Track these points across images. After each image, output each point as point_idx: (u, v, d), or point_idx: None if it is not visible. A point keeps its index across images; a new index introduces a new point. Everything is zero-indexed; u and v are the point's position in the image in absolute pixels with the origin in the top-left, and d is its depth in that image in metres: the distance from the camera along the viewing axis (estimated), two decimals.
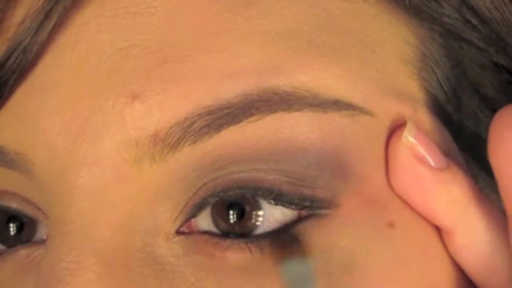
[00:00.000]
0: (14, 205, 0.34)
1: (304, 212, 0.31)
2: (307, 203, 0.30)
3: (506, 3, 0.35)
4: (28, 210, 0.34)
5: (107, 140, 0.30)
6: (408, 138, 0.31)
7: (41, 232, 0.34)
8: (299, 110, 0.30)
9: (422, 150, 0.31)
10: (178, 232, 0.31)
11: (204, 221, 0.31)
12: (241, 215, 0.31)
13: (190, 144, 0.30)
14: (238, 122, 0.30)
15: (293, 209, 0.31)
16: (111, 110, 0.30)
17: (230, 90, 0.30)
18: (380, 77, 0.32)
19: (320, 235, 0.31)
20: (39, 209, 0.33)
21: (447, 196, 0.31)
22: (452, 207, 0.31)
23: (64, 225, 0.30)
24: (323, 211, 0.31)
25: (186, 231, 0.31)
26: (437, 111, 0.34)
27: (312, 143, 0.31)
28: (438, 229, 0.32)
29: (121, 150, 0.30)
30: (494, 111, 0.34)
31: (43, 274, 0.30)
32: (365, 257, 0.31)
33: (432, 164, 0.31)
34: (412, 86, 0.33)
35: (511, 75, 0.36)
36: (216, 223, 0.31)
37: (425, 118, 0.33)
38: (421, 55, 0.33)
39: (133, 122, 0.30)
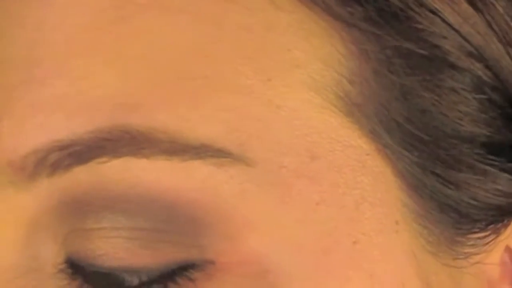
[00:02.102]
0: None
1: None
2: (168, 271, 0.28)
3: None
4: None
5: None
6: None
7: None
8: (149, 156, 0.27)
9: None
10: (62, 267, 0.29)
11: None
12: None
13: (47, 176, 0.28)
14: (87, 161, 0.28)
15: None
16: None
17: (82, 125, 0.28)
18: (273, 113, 0.28)
19: None
20: None
21: None
22: None
23: None
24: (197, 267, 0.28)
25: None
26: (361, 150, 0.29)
27: (166, 192, 0.28)
28: None
29: None
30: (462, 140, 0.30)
31: None
32: None
33: None
34: (327, 119, 0.28)
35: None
36: None
37: (331, 160, 0.28)
38: (350, 79, 0.28)
39: None
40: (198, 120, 0.27)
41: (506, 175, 0.30)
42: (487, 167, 0.30)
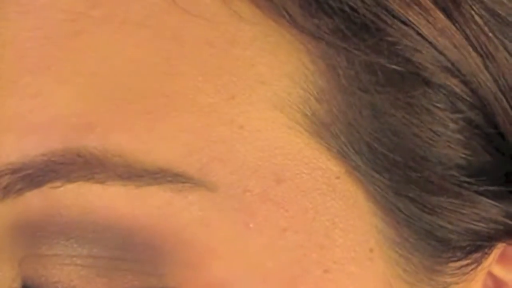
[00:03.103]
0: None
1: None
2: None
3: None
4: None
5: None
6: None
7: None
8: (104, 181, 0.26)
9: None
10: None
11: None
12: None
13: (0, 200, 0.27)
14: (40, 185, 0.27)
15: None
16: None
17: (34, 146, 0.27)
18: (236, 133, 0.26)
19: None
20: None
21: None
22: None
23: None
24: None
25: None
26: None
27: (121, 218, 0.26)
28: None
29: None
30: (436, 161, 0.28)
31: None
32: None
33: None
34: (293, 140, 0.27)
35: None
36: None
37: (297, 184, 0.27)
38: (318, 96, 0.27)
39: None
40: (156, 142, 0.26)
41: (485, 199, 0.28)
42: (464, 191, 0.28)
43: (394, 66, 0.27)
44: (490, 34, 0.28)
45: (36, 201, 0.27)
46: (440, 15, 0.27)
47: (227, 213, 0.27)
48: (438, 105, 0.28)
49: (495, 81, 0.28)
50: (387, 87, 0.27)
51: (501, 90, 0.28)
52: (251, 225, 0.27)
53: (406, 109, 0.27)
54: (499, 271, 0.30)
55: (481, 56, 0.28)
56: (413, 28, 0.27)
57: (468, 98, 0.28)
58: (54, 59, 0.27)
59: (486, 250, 0.29)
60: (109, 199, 0.26)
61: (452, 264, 0.28)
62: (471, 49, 0.28)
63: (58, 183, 0.27)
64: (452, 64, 0.27)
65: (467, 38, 0.28)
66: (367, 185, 0.27)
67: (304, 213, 0.27)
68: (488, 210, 0.28)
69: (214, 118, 0.26)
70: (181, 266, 0.27)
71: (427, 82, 0.27)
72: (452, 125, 0.28)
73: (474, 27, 0.28)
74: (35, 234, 0.27)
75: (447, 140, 0.28)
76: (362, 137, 0.27)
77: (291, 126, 0.27)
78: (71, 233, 0.27)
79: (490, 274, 0.29)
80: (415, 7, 0.27)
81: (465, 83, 0.28)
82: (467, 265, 0.29)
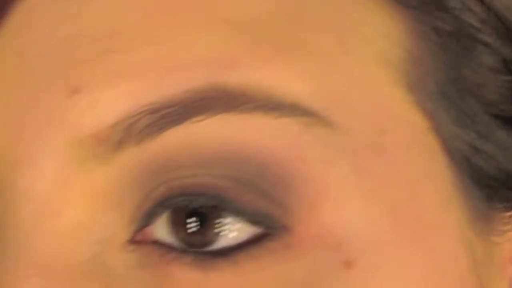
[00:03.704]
0: None
1: (257, 230, 0.28)
2: (260, 218, 0.28)
3: None
4: None
5: (49, 138, 0.28)
6: None
7: None
8: (247, 111, 0.28)
9: None
10: (132, 242, 0.29)
11: (163, 229, 0.29)
12: (203, 224, 0.28)
13: (134, 145, 0.28)
14: (182, 122, 0.28)
15: (245, 221, 0.28)
16: (51, 105, 0.28)
17: (174, 86, 0.28)
18: (352, 83, 0.29)
19: (276, 263, 0.28)
20: None
21: None
22: None
23: (2, 231, 0.28)
24: (278, 232, 0.28)
25: (140, 240, 0.29)
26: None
27: (259, 150, 0.28)
28: (403, 274, 0.29)
29: (63, 149, 0.28)
30: (495, 116, 0.31)
31: None
32: None
33: None
34: (393, 95, 0.30)
35: None
36: (175, 232, 0.29)
37: (398, 136, 0.30)
38: (409, 56, 0.30)
39: (74, 119, 0.28)
40: (290, 80, 0.28)
41: None
42: None
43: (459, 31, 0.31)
44: None
45: (175, 138, 0.28)
46: None
47: (344, 154, 0.28)
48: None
49: None
50: (464, 51, 0.31)
51: None
52: (358, 170, 0.29)
53: (475, 71, 0.31)
54: None
55: None
56: None
57: None
58: (188, 9, 0.28)
59: None
60: (249, 129, 0.28)
61: (506, 213, 0.31)
62: None
63: (200, 118, 0.28)
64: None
65: None
66: (446, 140, 0.30)
67: (400, 163, 0.29)
68: None
69: (334, 67, 0.29)
70: (300, 205, 0.28)
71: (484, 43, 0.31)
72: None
73: None
74: (172, 167, 0.28)
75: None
76: (446, 94, 0.30)
77: (391, 82, 0.30)
78: (212, 164, 0.28)
79: None
80: None
81: None
82: None
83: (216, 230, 0.28)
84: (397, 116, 0.30)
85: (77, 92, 0.28)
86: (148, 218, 0.28)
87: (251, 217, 0.28)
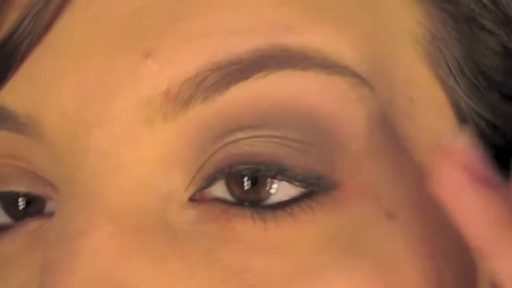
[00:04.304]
0: (21, 188, 0.33)
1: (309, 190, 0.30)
2: (312, 181, 0.30)
3: None
4: (36, 190, 0.33)
5: (119, 99, 0.30)
6: (458, 144, 0.28)
7: (50, 207, 0.33)
8: (305, 68, 0.30)
9: (474, 162, 0.28)
10: (191, 200, 0.31)
11: (218, 188, 0.31)
12: (256, 182, 0.30)
13: (201, 101, 0.30)
14: (247, 78, 0.30)
15: (298, 186, 0.30)
16: (123, 69, 0.30)
17: (240, 45, 0.30)
18: (387, 55, 0.32)
19: (327, 215, 0.30)
20: (49, 185, 0.33)
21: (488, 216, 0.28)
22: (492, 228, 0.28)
23: (75, 186, 0.30)
24: (327, 192, 0.30)
25: (200, 199, 0.31)
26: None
27: (315, 104, 0.30)
28: (444, 226, 0.30)
29: (133, 109, 0.30)
30: (503, 95, 0.34)
31: (54, 234, 0.30)
32: (364, 246, 0.30)
33: (480, 177, 0.28)
34: (419, 69, 0.33)
35: None
36: (230, 190, 0.31)
37: (424, 107, 0.32)
38: (431, 37, 0.33)
39: (145, 79, 0.30)
40: (342, 45, 0.31)
41: None
42: None
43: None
44: None
45: (240, 94, 0.30)
46: None
47: (382, 114, 0.31)
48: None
49: None
50: (471, 35, 0.34)
51: None
52: (394, 132, 0.31)
53: (482, 51, 0.34)
54: None
55: None
56: None
57: None
58: None
59: None
60: (306, 85, 0.30)
61: None
62: None
63: (262, 74, 0.30)
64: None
65: None
66: (462, 114, 0.33)
67: (428, 130, 0.32)
68: None
69: (375, 39, 0.32)
70: (346, 160, 0.30)
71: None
72: None
73: None
74: (233, 124, 0.30)
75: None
76: (462, 72, 0.33)
77: (418, 58, 0.33)
78: (270, 119, 0.30)
79: None
80: None
81: None
82: None
83: (268, 188, 0.30)
84: (423, 89, 0.33)
85: (149, 55, 0.30)
86: (208, 182, 0.30)
87: (304, 182, 0.30)
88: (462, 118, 0.33)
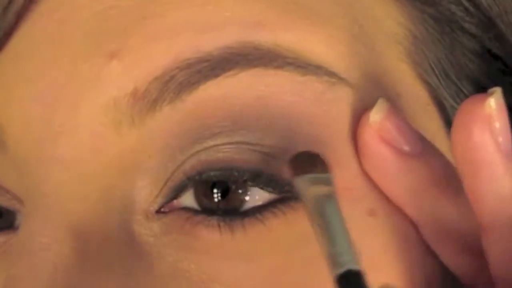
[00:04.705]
0: None
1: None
2: (286, 187, 0.29)
3: None
4: (3, 203, 0.32)
5: (85, 105, 0.29)
6: (375, 117, 0.29)
7: (20, 220, 0.32)
8: (278, 67, 0.29)
9: (393, 133, 0.29)
10: (159, 212, 0.30)
11: (188, 199, 0.30)
12: (227, 192, 0.30)
13: (170, 102, 0.29)
14: (216, 75, 0.29)
15: (271, 192, 0.29)
16: (88, 73, 0.29)
17: (210, 42, 0.29)
18: (367, 53, 0.31)
19: (298, 218, 0.29)
20: (15, 198, 0.31)
21: (410, 184, 0.29)
22: (415, 195, 0.29)
23: (39, 199, 0.29)
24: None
25: (167, 210, 0.30)
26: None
27: (290, 105, 0.29)
28: None
29: (99, 113, 0.29)
30: None
31: (17, 249, 0.29)
32: None
33: (405, 148, 0.29)
34: (402, 69, 0.32)
35: (503, 63, 0.35)
36: (199, 200, 0.30)
37: (410, 103, 0.32)
38: (412, 37, 0.32)
39: (111, 81, 0.29)
40: (316, 43, 0.30)
41: None
42: None
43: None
44: None
45: (209, 92, 0.29)
46: None
47: (363, 112, 0.30)
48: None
49: None
50: (453, 36, 0.33)
51: None
52: None
53: (463, 52, 0.33)
54: None
55: None
56: None
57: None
58: None
59: None
60: (279, 85, 0.29)
61: None
62: None
63: (233, 72, 0.29)
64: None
65: None
66: (445, 112, 0.32)
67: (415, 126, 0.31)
68: None
69: (353, 38, 0.31)
70: (331, 161, 0.29)
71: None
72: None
73: None
74: (204, 128, 0.29)
75: None
76: (445, 72, 0.33)
77: (400, 58, 0.32)
78: (243, 121, 0.29)
79: None
80: None
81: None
82: None
83: (240, 197, 0.29)
84: (407, 87, 0.32)
85: (114, 57, 0.29)
86: (177, 191, 0.29)
87: (277, 188, 0.29)
88: (447, 119, 0.33)
